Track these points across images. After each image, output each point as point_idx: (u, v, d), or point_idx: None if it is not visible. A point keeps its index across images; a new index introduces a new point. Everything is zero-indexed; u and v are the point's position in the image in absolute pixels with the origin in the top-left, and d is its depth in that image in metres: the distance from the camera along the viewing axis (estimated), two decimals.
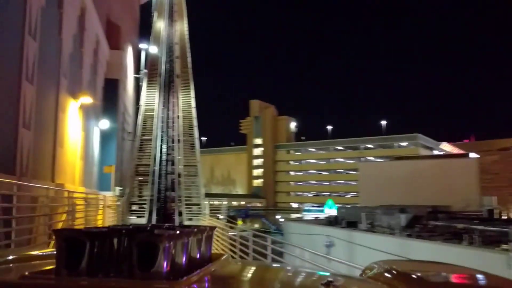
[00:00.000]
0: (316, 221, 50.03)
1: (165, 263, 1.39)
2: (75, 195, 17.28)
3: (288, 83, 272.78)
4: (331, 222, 44.89)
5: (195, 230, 1.68)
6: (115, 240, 1.45)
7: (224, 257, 1.96)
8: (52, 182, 15.68)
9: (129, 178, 31.00)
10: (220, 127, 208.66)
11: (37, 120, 13.69)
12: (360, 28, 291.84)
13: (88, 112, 21.49)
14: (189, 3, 56.23)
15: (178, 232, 1.51)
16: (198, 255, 1.69)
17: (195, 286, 1.44)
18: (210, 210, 28.49)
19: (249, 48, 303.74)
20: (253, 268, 2.28)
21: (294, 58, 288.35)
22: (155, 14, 58.77)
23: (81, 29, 19.60)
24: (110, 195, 21.89)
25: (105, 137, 25.72)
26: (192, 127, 37.94)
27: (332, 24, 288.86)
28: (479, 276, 1.98)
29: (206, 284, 1.58)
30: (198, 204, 30.31)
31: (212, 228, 1.89)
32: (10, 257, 2.14)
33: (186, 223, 27.41)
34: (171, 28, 57.89)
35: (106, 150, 25.80)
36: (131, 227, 1.70)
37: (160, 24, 56.96)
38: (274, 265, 3.67)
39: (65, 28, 16.77)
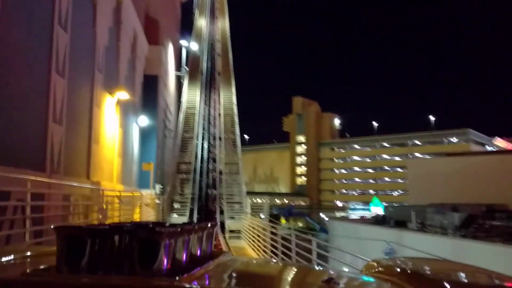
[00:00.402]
0: (363, 220, 48.22)
1: (166, 260, 1.38)
2: (110, 193, 16.75)
3: (331, 79, 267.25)
4: (378, 221, 43.05)
5: (196, 227, 1.66)
6: (116, 237, 1.41)
7: (225, 254, 1.95)
8: (88, 180, 15.17)
9: (171, 176, 30.55)
10: (262, 124, 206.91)
11: (69, 115, 13.14)
12: (404, 21, 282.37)
13: (126, 109, 21.01)
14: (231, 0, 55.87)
15: (179, 229, 1.49)
16: (199, 252, 1.68)
17: (196, 283, 1.40)
18: (252, 208, 27.52)
19: (291, 44, 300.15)
20: (255, 265, 2.32)
21: (337, 53, 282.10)
22: (196, 12, 58.78)
23: (117, 23, 19.09)
24: (149, 193, 21.35)
25: (144, 134, 25.27)
26: (233, 124, 37.20)
27: (376, 16, 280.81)
28: (480, 273, 1.97)
29: (207, 281, 1.55)
30: (240, 203, 29.44)
31: (213, 226, 1.86)
32: (12, 255, 2.07)
33: (228, 221, 26.61)
34: (213, 25, 57.62)
35: (146, 148, 25.34)
36: (132, 224, 1.68)
37: (201, 22, 56.82)
38: (275, 262, 3.36)
39: (99, 21, 16.24)
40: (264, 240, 16.69)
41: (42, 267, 1.62)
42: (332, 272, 2.08)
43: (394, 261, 2.21)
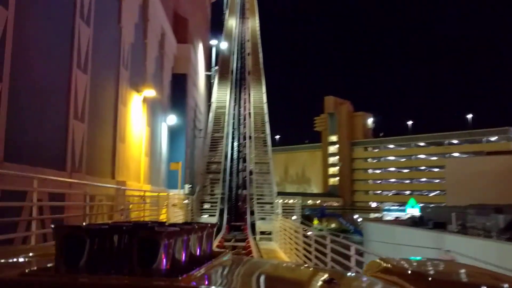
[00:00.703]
0: (398, 222, 46.58)
1: (165, 260, 1.39)
2: (135, 193, 16.30)
3: (363, 78, 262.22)
4: (415, 222, 41.47)
5: (196, 227, 1.63)
6: (116, 237, 1.41)
7: (225, 254, 1.91)
8: (112, 179, 14.73)
9: (200, 176, 30.06)
10: (293, 124, 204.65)
11: (92, 112, 12.69)
12: (439, 18, 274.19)
13: (154, 107, 20.60)
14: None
15: (178, 229, 1.47)
16: (198, 252, 1.66)
17: (195, 283, 1.40)
18: (284, 209, 26.64)
19: (322, 43, 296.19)
20: (255, 265, 2.29)
21: (368, 51, 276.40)
22: (227, 12, 58.58)
23: (143, 19, 18.67)
24: (177, 193, 20.85)
25: (173, 133, 24.84)
26: (264, 123, 36.47)
27: (409, 13, 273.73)
28: (485, 274, 1.95)
29: (207, 281, 1.51)
30: (271, 203, 28.63)
31: (213, 226, 1.81)
32: (10, 255, 2.00)
33: (258, 222, 25.87)
34: (243, 25, 57.23)
35: (175, 147, 24.89)
36: (132, 224, 1.67)
37: (231, 22, 56.55)
38: (275, 262, 3.27)
39: (125, 17, 15.80)
40: (296, 242, 15.98)
41: (40, 267, 1.60)
42: (333, 273, 2.13)
43: (396, 262, 2.17)
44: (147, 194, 15.74)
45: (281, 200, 25.96)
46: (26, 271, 1.50)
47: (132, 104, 17.16)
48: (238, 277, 1.82)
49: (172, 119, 23.28)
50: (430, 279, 1.91)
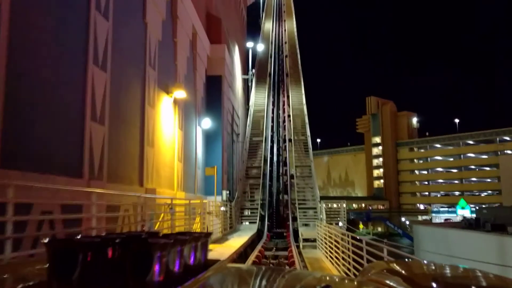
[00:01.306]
0: (451, 224, 43.47)
1: (159, 272, 1.35)
2: (166, 200, 15.07)
3: (405, 76, 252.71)
4: (470, 225, 38.48)
5: (189, 237, 1.61)
6: (109, 250, 1.38)
7: (219, 263, 1.90)
8: (141, 187, 13.55)
9: (239, 181, 28.76)
10: (335, 127, 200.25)
11: (114, 114, 11.53)
12: (485, 13, 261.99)
13: (186, 110, 19.44)
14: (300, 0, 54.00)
15: (172, 240, 1.45)
16: (193, 263, 1.64)
17: None
18: (327, 214, 24.84)
19: (362, 44, 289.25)
20: (250, 273, 2.24)
21: (410, 47, 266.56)
22: (263, 15, 57.62)
23: (172, 17, 17.53)
24: (213, 200, 19.55)
25: (209, 137, 23.63)
26: (304, 125, 34.88)
27: (454, 10, 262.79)
28: (479, 276, 1.89)
29: None
30: (314, 208, 26.91)
31: (208, 235, 1.81)
32: (3, 270, 1.94)
33: (301, 229, 24.22)
34: (280, 28, 56.03)
35: (211, 152, 23.67)
36: (125, 236, 1.63)
37: (268, 25, 55.54)
38: (270, 269, 2.63)
39: (150, 12, 14.66)
40: (343, 251, 14.29)
41: (33, 283, 1.56)
42: (329, 278, 2.17)
43: (393, 265, 2.11)
44: (178, 201, 14.47)
45: (334, 205, 24.13)
46: (19, 287, 1.50)
47: (161, 106, 16.00)
48: (232, 286, 1.74)
49: (207, 122, 22.06)
50: (428, 282, 1.78)
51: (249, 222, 26.85)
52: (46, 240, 1.37)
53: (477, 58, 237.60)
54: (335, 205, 25.95)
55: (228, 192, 24.39)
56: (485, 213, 39.15)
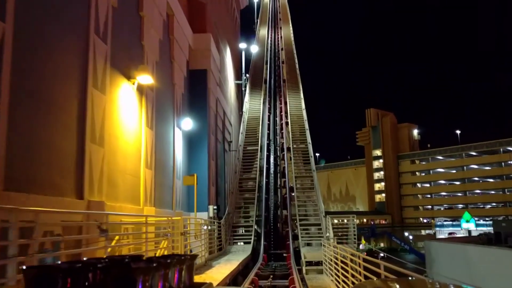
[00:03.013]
0: (466, 240, 39.11)
1: None
2: (124, 218, 10.94)
3: (405, 87, 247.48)
4: (490, 240, 34.18)
5: (173, 260, 1.53)
6: (90, 275, 1.30)
7: (205, 286, 1.79)
8: (79, 199, 9.43)
9: (231, 195, 24.54)
10: (334, 141, 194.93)
11: (19, 83, 7.50)
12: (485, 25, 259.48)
13: (160, 105, 15.44)
14: (296, 6, 50.84)
15: (155, 264, 1.36)
16: (178, 286, 1.55)
17: None
18: (335, 232, 20.57)
19: (360, 55, 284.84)
20: None
21: (409, 58, 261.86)
22: (258, 22, 54.35)
23: None
24: (198, 217, 15.41)
25: (192, 142, 19.60)
26: (303, 131, 30.81)
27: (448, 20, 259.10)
28: None
29: None
30: (318, 225, 22.67)
31: (193, 257, 1.71)
32: None
33: (303, 249, 19.97)
34: (276, 35, 52.60)
35: (195, 159, 19.56)
36: (107, 260, 1.54)
37: (263, 31, 52.03)
38: None
39: None
40: (360, 280, 10.33)
41: None
42: None
43: (385, 283, 1.94)
44: (132, 219, 10.36)
45: (336, 220, 19.89)
46: None
47: (119, 94, 11.96)
48: None
49: (188, 123, 17.90)
50: None
51: (244, 243, 22.60)
52: (23, 267, 1.25)
53: (478, 67, 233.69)
54: (345, 220, 21.67)
55: (216, 207, 20.13)
56: (505, 227, 35.00)
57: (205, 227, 15.56)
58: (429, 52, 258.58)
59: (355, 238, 21.16)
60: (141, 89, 13.45)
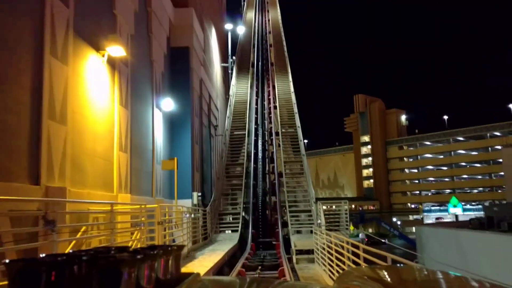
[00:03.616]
0: (457, 225, 38.43)
1: None
2: (92, 207, 9.63)
3: (393, 73, 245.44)
4: (482, 225, 33.45)
5: (160, 251, 1.45)
6: (75, 268, 1.25)
7: (192, 276, 1.69)
8: (34, 185, 8.04)
9: (217, 181, 23.24)
10: (322, 128, 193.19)
11: None
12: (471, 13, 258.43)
13: (137, 82, 14.00)
14: None
15: (142, 255, 1.34)
16: (164, 277, 1.46)
17: None
18: (326, 219, 19.42)
19: (348, 41, 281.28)
20: (223, 286, 2.00)
21: (396, 43, 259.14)
22: (245, 5, 52.79)
23: None
24: (174, 204, 14.09)
25: (174, 125, 18.19)
26: (292, 115, 29.55)
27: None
28: (463, 282, 1.64)
29: None
30: (308, 211, 21.53)
31: (180, 247, 1.63)
32: None
33: (293, 237, 18.83)
34: (264, 18, 51.04)
35: (177, 143, 18.16)
36: (92, 252, 1.45)
37: (251, 14, 50.48)
38: (257, 281, 2.24)
39: None
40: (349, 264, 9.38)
41: None
42: (306, 285, 2.06)
43: (370, 271, 1.86)
44: (100, 207, 9.02)
45: (324, 206, 18.72)
46: None
47: (85, 66, 10.50)
48: None
49: (168, 104, 16.44)
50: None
51: (231, 231, 21.40)
52: (6, 261, 1.21)
53: (463, 54, 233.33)
54: (334, 207, 20.53)
55: (200, 194, 18.80)
56: (497, 211, 34.29)
57: (187, 215, 14.23)
58: (418, 39, 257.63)
59: (347, 225, 20.05)
60: (113, 63, 11.98)
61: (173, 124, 18.05)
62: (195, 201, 17.90)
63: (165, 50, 17.38)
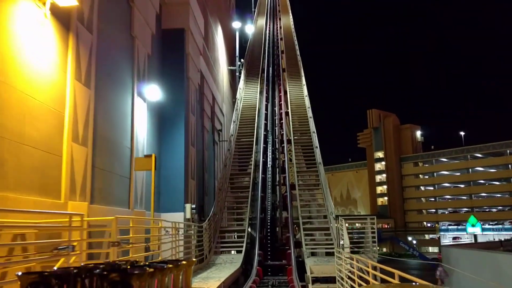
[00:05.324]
0: (485, 246, 34.16)
1: None
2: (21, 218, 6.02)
3: (407, 88, 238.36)
4: None
5: (170, 266, 1.61)
6: (87, 281, 1.42)
7: None
8: None
9: (219, 192, 19.57)
10: (334, 143, 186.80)
11: None
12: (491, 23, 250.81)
13: (106, 56, 10.54)
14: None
15: (152, 270, 1.46)
16: None
17: None
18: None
19: (362, 56, 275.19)
20: None
21: (411, 58, 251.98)
22: (256, 12, 50.28)
23: None
24: (153, 218, 10.47)
25: (164, 120, 14.69)
26: (305, 122, 25.99)
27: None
28: None
29: None
30: (326, 229, 17.74)
31: (191, 264, 1.70)
32: None
33: (309, 261, 15.00)
34: (275, 25, 48.13)
35: (167, 142, 14.59)
36: (104, 266, 1.50)
37: (261, 21, 47.73)
38: None
39: None
40: None
41: None
42: None
43: None
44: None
45: (347, 224, 14.86)
46: None
47: (11, 14, 7.08)
48: None
49: (154, 92, 12.89)
50: None
51: (236, 251, 17.68)
52: (19, 273, 1.25)
53: (481, 67, 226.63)
54: (357, 225, 16.66)
55: (195, 206, 15.09)
56: None
57: (170, 232, 10.55)
58: (433, 52, 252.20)
59: (374, 247, 16.18)
60: (64, 20, 8.51)
61: (162, 118, 14.55)
62: (188, 215, 14.21)
63: (153, 29, 13.93)
